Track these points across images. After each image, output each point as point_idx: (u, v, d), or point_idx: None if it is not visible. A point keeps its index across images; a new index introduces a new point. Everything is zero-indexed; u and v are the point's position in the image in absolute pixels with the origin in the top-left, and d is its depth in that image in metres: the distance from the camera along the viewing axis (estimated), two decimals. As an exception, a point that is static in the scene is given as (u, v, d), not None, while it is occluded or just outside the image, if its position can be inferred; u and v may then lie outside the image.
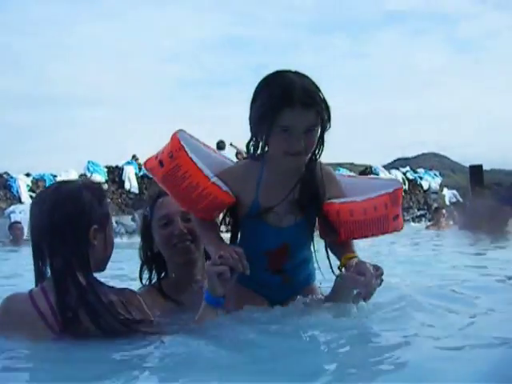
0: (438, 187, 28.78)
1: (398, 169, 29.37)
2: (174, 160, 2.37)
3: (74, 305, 2.14)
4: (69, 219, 2.23)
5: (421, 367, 1.76)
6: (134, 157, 21.53)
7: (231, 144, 16.70)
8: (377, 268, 2.39)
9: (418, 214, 22.44)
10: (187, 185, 2.37)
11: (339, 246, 2.55)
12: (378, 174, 26.29)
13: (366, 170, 26.95)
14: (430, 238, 10.26)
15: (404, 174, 27.93)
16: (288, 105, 2.23)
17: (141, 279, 2.91)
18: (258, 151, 2.43)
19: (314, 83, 2.35)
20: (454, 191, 29.89)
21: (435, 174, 29.84)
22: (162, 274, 2.93)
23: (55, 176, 18.94)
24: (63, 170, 19.85)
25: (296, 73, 2.36)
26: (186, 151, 2.36)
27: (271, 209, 2.43)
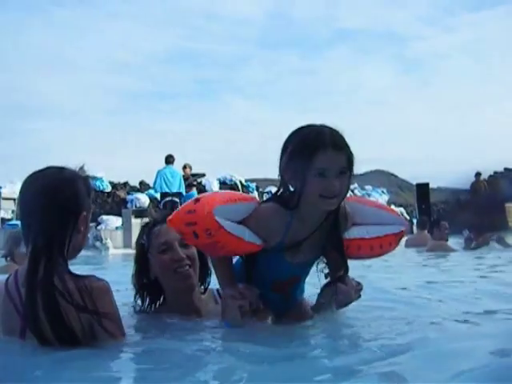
0: (385, 204, 29.19)
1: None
2: (213, 237, 2.43)
3: (36, 288, 2.16)
4: (66, 203, 2.31)
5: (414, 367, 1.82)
6: (81, 168, 21.12)
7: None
8: (357, 283, 2.70)
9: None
10: (225, 250, 2.52)
11: (333, 264, 2.72)
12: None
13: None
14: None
15: (352, 190, 28.23)
16: (322, 147, 2.36)
17: (135, 307, 2.95)
18: (290, 198, 2.52)
19: (340, 131, 2.48)
20: (401, 209, 30.34)
21: (383, 191, 30.31)
22: (157, 303, 2.99)
23: (0, 187, 18.49)
24: (8, 181, 19.40)
25: (323, 124, 2.49)
26: (225, 229, 2.43)
27: (295, 247, 2.58)
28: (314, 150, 2.37)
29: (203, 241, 2.47)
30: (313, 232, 2.57)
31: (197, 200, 2.56)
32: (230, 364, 2.05)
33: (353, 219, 2.71)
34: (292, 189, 2.53)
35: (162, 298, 2.98)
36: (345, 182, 2.45)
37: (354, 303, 2.70)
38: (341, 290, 2.61)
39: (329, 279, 2.70)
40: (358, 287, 2.70)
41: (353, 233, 2.70)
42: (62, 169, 2.45)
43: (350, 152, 2.46)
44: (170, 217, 2.54)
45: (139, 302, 2.96)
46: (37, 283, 2.17)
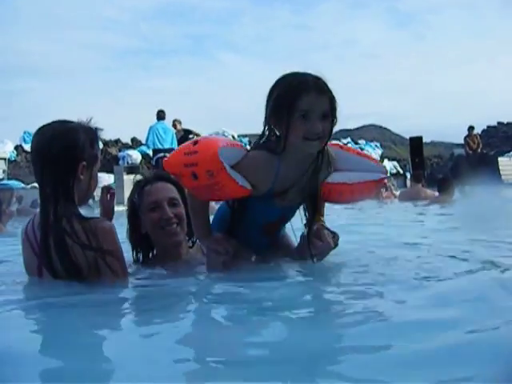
0: (378, 158, 29.19)
1: (339, 140, 29.63)
2: (214, 178, 2.52)
3: (47, 230, 2.45)
4: (63, 152, 2.50)
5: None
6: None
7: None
8: (333, 234, 2.86)
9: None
10: (221, 192, 2.61)
11: (310, 204, 2.88)
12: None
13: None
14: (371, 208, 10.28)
15: (345, 144, 28.18)
16: (305, 90, 2.47)
17: (134, 259, 3.14)
18: (273, 138, 2.64)
19: (323, 78, 2.57)
20: (395, 162, 30.40)
21: (376, 146, 30.31)
22: (150, 255, 3.20)
23: (-11, 146, 18.36)
24: (-2, 141, 19.27)
25: (306, 72, 2.58)
26: (227, 172, 2.53)
27: (284, 193, 2.70)
28: (298, 94, 2.48)
29: (203, 182, 2.53)
30: (300, 177, 2.70)
31: (195, 142, 2.63)
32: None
33: (335, 165, 2.82)
34: (278, 133, 2.61)
35: (154, 251, 3.19)
36: (327, 126, 2.55)
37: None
38: (316, 247, 2.81)
39: (305, 232, 2.88)
40: (334, 238, 2.86)
41: (336, 178, 2.81)
42: (64, 122, 2.63)
43: (333, 96, 2.55)
44: (167, 159, 2.66)
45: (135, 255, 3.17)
46: (48, 226, 2.46)
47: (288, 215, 2.92)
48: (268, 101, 2.59)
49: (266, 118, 2.62)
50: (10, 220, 7.40)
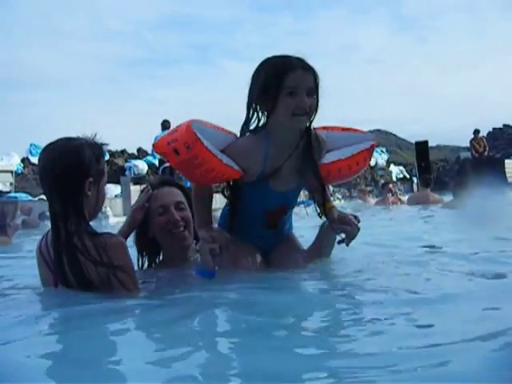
0: (384, 163, 29.15)
1: (345, 146, 29.57)
2: (191, 151, 2.60)
3: (60, 248, 2.51)
4: (69, 170, 2.55)
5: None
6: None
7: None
8: (355, 217, 2.95)
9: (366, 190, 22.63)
10: (204, 169, 2.66)
11: (316, 192, 2.98)
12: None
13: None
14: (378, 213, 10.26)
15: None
16: (290, 68, 2.60)
17: (138, 265, 3.21)
18: (261, 123, 2.77)
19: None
20: (401, 167, 30.35)
21: (382, 151, 30.21)
22: (157, 260, 3.29)
23: (-4, 160, 18.38)
24: (5, 154, 19.29)
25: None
26: (202, 142, 2.60)
27: (276, 172, 2.78)
28: (285, 72, 2.61)
29: (183, 156, 2.63)
30: (290, 155, 2.78)
31: (179, 125, 2.74)
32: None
33: (326, 146, 2.93)
34: (265, 113, 2.74)
35: (160, 256, 3.28)
36: (313, 101, 2.67)
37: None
38: (346, 231, 2.90)
39: (326, 222, 3.00)
40: (357, 221, 2.94)
41: (329, 157, 2.93)
42: (70, 139, 2.67)
43: (316, 73, 2.69)
44: (155, 142, 2.77)
45: (141, 260, 3.25)
46: (60, 244, 2.52)
47: (288, 202, 2.96)
48: (253, 84, 2.73)
49: (250, 100, 2.74)
50: (15, 233, 7.38)
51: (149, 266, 3.26)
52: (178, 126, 2.72)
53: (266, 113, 2.74)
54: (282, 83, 2.61)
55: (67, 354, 1.79)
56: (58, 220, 2.55)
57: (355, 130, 3.09)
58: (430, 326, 1.85)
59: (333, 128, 3.04)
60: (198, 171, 2.69)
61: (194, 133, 2.60)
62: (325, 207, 2.95)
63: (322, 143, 2.88)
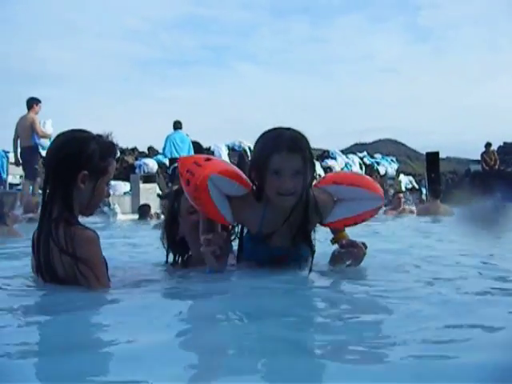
0: (394, 173, 29.11)
1: (355, 154, 29.59)
2: (198, 193, 2.83)
3: (39, 232, 2.62)
4: (66, 158, 2.62)
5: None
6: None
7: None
8: (363, 243, 3.09)
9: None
10: (200, 208, 2.94)
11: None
12: (335, 158, 26.52)
13: (324, 154, 27.18)
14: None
15: (361, 158, 28.19)
16: (276, 150, 2.71)
17: (167, 261, 3.43)
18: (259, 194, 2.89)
19: (302, 135, 2.83)
20: (410, 177, 30.27)
21: (392, 160, 30.20)
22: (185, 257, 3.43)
23: (7, 152, 18.40)
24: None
25: (289, 128, 2.84)
26: (209, 195, 2.81)
27: (271, 235, 2.95)
28: (270, 153, 2.72)
29: (190, 190, 2.87)
30: (285, 221, 2.91)
31: (208, 159, 2.97)
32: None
33: (330, 197, 3.02)
34: (257, 185, 2.88)
35: (188, 254, 3.40)
36: (300, 182, 2.76)
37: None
38: (352, 253, 3.07)
39: (337, 250, 3.15)
40: (364, 246, 3.08)
41: (336, 214, 3.03)
42: (79, 131, 2.75)
43: (307, 153, 2.79)
44: (184, 156, 3.13)
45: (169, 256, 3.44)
46: (41, 229, 2.61)
47: (289, 254, 3.05)
48: (251, 159, 2.99)
49: (247, 170, 2.92)
50: (15, 223, 7.37)
51: (176, 263, 3.41)
52: (207, 161, 2.94)
53: (258, 184, 2.88)
54: (268, 164, 2.73)
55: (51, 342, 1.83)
56: (46, 205, 2.64)
57: (364, 187, 3.05)
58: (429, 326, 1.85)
59: (342, 181, 3.06)
60: (196, 205, 2.95)
61: (206, 185, 2.79)
62: (336, 236, 3.16)
63: (320, 209, 2.96)
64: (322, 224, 3.06)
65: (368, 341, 1.78)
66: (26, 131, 12.68)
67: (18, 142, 13.00)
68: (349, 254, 3.07)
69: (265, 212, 2.91)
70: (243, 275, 3.00)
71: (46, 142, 13.16)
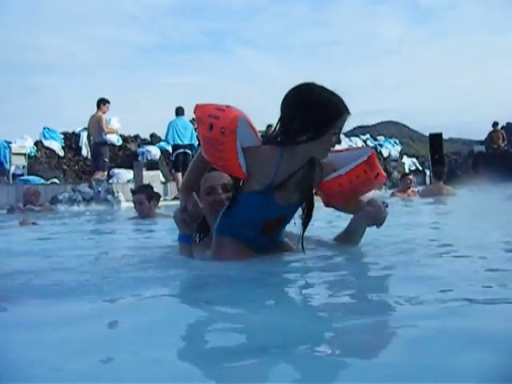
0: (397, 155, 29.08)
1: (358, 136, 29.55)
2: (222, 137, 2.78)
3: None
4: None
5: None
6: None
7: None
8: (383, 202, 3.14)
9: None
10: (219, 155, 2.85)
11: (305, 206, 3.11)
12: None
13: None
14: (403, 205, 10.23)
15: (364, 141, 28.15)
16: (342, 113, 2.82)
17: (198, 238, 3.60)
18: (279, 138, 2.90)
19: None
20: (414, 159, 30.24)
21: (395, 142, 30.15)
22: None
23: (9, 142, 18.45)
24: (18, 137, 19.38)
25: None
26: (235, 138, 2.79)
27: (282, 185, 2.92)
28: (339, 114, 2.81)
29: (213, 135, 2.80)
30: (295, 172, 2.93)
31: (227, 106, 2.91)
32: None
33: (333, 166, 3.08)
34: (304, 137, 2.82)
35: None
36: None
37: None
38: (371, 214, 3.07)
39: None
40: (385, 205, 3.12)
41: (331, 175, 3.08)
42: None
43: None
44: (201, 104, 2.92)
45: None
46: None
47: (287, 215, 3.07)
48: (306, 108, 2.82)
49: (291, 118, 2.84)
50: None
51: (199, 240, 3.59)
52: (228, 107, 2.89)
53: (297, 135, 2.84)
54: (334, 125, 2.81)
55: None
56: None
57: (355, 149, 3.32)
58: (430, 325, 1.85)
59: (337, 151, 3.18)
60: (215, 153, 2.87)
61: (235, 126, 2.78)
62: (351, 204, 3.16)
63: (322, 166, 3.05)
64: (319, 189, 3.11)
65: (364, 337, 1.77)
66: (94, 128, 14.34)
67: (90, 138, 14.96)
68: (367, 215, 3.09)
69: (281, 161, 2.89)
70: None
71: (113, 137, 15.26)
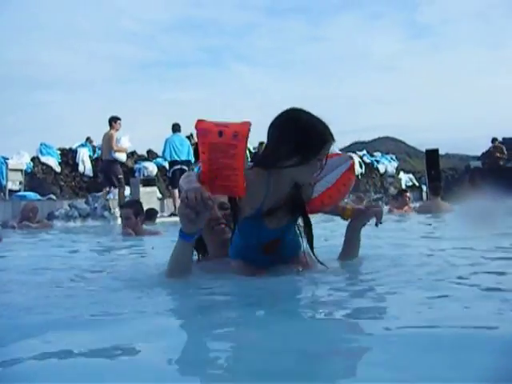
0: (394, 171, 29.10)
1: (354, 152, 29.58)
2: (235, 140, 2.69)
3: None
4: None
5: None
6: (88, 139, 21.10)
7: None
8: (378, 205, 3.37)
9: (375, 197, 22.58)
10: (228, 163, 2.70)
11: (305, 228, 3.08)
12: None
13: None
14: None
15: (361, 157, 28.15)
16: (328, 140, 2.82)
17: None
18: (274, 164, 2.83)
19: None
20: (410, 175, 30.29)
21: (392, 158, 30.17)
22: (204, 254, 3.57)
23: (7, 158, 18.41)
24: (15, 153, 19.34)
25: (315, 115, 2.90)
26: (246, 146, 2.73)
27: (271, 212, 2.92)
28: (325, 142, 2.81)
29: (225, 139, 2.70)
30: (284, 199, 2.93)
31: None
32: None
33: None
34: (290, 163, 2.79)
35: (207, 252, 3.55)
36: None
37: None
38: (369, 213, 3.33)
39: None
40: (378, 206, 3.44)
41: (318, 189, 3.13)
42: None
43: None
44: (202, 121, 2.78)
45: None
46: None
47: (280, 237, 3.05)
48: (294, 134, 2.80)
49: (278, 143, 2.82)
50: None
51: (198, 260, 3.56)
52: (227, 123, 2.82)
53: (284, 160, 2.80)
54: (319, 152, 2.81)
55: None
56: None
57: (333, 156, 3.28)
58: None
59: None
60: (224, 160, 2.70)
61: (248, 132, 2.73)
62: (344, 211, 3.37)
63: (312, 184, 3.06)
64: (311, 203, 3.07)
65: (364, 340, 1.78)
66: (105, 146, 14.81)
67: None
68: (365, 214, 3.34)
69: (270, 187, 2.86)
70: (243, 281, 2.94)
71: (122, 156, 15.20)
